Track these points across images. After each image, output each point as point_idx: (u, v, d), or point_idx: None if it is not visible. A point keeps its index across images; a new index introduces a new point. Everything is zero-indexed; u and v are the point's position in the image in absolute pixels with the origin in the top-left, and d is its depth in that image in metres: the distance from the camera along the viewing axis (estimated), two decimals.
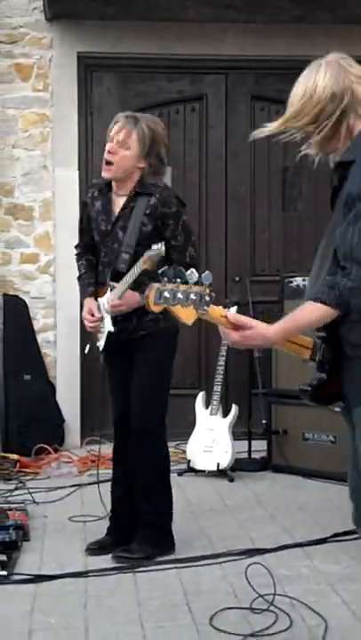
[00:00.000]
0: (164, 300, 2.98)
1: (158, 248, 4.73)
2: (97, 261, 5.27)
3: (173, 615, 4.30)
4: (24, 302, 8.02)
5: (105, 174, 5.06)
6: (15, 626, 4.18)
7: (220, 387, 7.05)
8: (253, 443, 7.30)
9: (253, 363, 7.37)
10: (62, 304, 7.93)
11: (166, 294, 2.98)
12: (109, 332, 5.10)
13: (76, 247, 5.44)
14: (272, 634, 4.05)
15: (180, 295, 2.99)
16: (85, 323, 5.23)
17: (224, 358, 7.07)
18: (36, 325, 8.04)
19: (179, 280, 3.00)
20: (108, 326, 5.09)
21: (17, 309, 7.99)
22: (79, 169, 8.09)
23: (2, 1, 7.93)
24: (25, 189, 8.04)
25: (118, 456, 5.31)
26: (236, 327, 3.10)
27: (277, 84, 8.12)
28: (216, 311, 3.08)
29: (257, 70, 8.31)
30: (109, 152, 4.98)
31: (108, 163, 4.99)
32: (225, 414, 7.02)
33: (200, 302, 3.02)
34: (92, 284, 5.26)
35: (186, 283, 3.00)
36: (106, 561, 5.01)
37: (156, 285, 3.00)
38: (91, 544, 5.22)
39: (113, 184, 5.13)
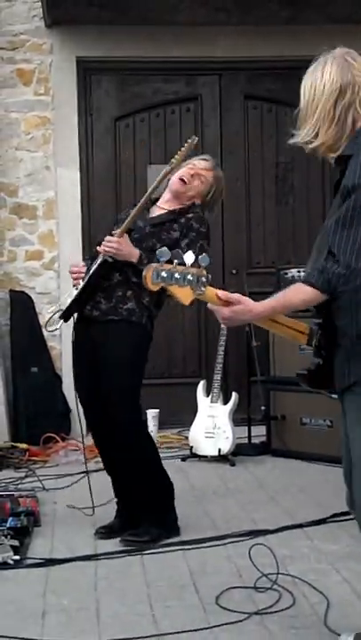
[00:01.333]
0: (162, 279, 3.00)
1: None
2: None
3: (181, 595, 4.35)
4: (30, 298, 8.18)
5: (175, 186, 5.19)
6: (29, 607, 4.24)
7: (220, 375, 7.13)
8: (253, 428, 7.39)
9: (252, 351, 7.42)
10: (66, 299, 8.06)
11: (164, 274, 3.00)
12: (75, 300, 5.13)
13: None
14: (276, 611, 4.10)
15: (177, 275, 3.01)
16: (70, 269, 5.31)
17: (223, 348, 7.16)
18: (42, 320, 8.11)
19: (176, 261, 3.03)
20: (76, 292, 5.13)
21: (23, 305, 8.15)
22: (80, 169, 8.23)
23: (3, 9, 8.09)
24: (28, 189, 8.20)
25: (98, 445, 5.41)
26: (228, 304, 3.15)
27: (269, 84, 8.36)
28: (211, 291, 3.13)
29: (249, 71, 8.43)
30: (191, 175, 5.20)
31: (184, 180, 5.19)
32: (225, 401, 7.13)
33: (197, 283, 3.05)
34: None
35: (183, 264, 3.04)
36: (114, 544, 5.08)
37: (153, 265, 3.02)
38: (99, 528, 5.28)
39: (163, 197, 5.29)
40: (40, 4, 7.86)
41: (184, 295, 3.05)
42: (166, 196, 5.29)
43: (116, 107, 8.34)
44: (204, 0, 7.92)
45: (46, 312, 8.14)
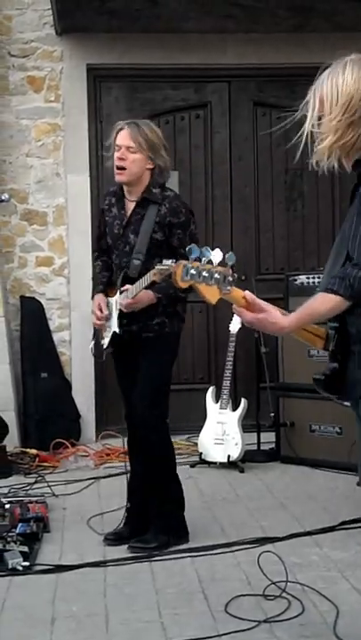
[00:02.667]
0: (191, 277, 2.94)
1: (170, 265, 4.78)
2: (111, 261, 5.46)
3: (189, 602, 4.39)
4: (40, 304, 8.21)
5: (118, 178, 5.23)
6: (38, 614, 4.29)
7: (229, 381, 7.15)
8: (262, 435, 7.40)
9: (261, 357, 7.42)
10: (76, 304, 8.09)
11: (193, 271, 2.93)
12: (114, 333, 5.27)
13: (93, 251, 5.67)
14: (285, 620, 4.13)
15: (205, 274, 2.94)
16: (92, 318, 5.40)
17: (232, 354, 7.17)
18: (52, 325, 8.22)
19: (204, 259, 2.97)
20: (114, 327, 5.25)
21: (33, 311, 8.18)
22: (90, 175, 8.26)
23: (14, 17, 8.14)
24: (39, 196, 8.24)
25: (132, 449, 5.48)
26: (252, 308, 3.09)
27: (278, 91, 8.37)
28: (237, 292, 3.06)
29: (258, 78, 8.46)
30: (120, 158, 5.17)
31: (120, 168, 5.19)
32: (234, 408, 7.14)
33: (223, 282, 2.98)
34: (104, 282, 5.43)
35: (210, 262, 2.97)
36: (123, 551, 5.12)
37: (183, 262, 2.96)
38: (108, 534, 5.34)
39: (125, 190, 5.31)
40: (51, 11, 7.89)
41: (211, 294, 2.99)
42: (125, 187, 5.32)
43: (126, 113, 8.28)
44: (212, 8, 7.94)
45: (57, 318, 8.22)
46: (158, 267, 4.87)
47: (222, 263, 2.99)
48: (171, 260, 4.85)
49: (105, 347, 5.39)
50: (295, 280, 7.37)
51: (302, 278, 7.34)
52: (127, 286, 5.13)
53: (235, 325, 7.07)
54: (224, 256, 3.00)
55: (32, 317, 8.19)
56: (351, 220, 3.13)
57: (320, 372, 3.24)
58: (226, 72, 8.41)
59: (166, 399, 5.37)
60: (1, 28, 8.14)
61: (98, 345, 5.49)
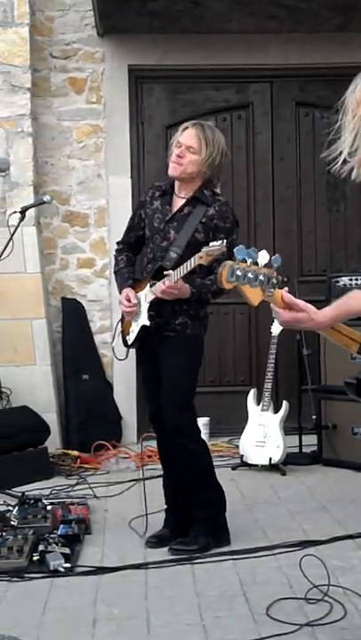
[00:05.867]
0: (236, 278, 2.91)
1: (220, 245, 4.80)
2: (135, 258, 5.50)
3: (231, 605, 4.35)
4: (81, 305, 8.24)
5: (172, 172, 5.24)
6: (80, 616, 4.27)
7: (270, 384, 7.12)
8: (304, 437, 7.37)
9: (303, 360, 7.40)
10: (117, 306, 7.90)
11: (238, 272, 2.91)
12: (143, 327, 5.22)
13: (117, 243, 5.60)
14: (327, 623, 4.08)
15: (250, 275, 2.92)
16: (121, 307, 5.34)
17: (274, 356, 7.14)
18: (93, 327, 8.26)
19: (250, 260, 2.95)
20: (144, 320, 5.20)
21: (75, 312, 8.21)
22: (131, 177, 8.28)
23: (56, 18, 8.18)
24: (80, 197, 8.27)
25: (161, 452, 5.49)
26: (289, 308, 3.05)
27: (320, 91, 8.34)
28: (278, 293, 3.05)
29: (300, 78, 8.45)
30: (179, 156, 5.17)
31: (176, 163, 5.20)
32: (276, 410, 7.11)
33: (267, 284, 2.96)
34: (131, 277, 5.41)
35: (256, 263, 2.95)
36: (164, 553, 5.10)
37: (229, 262, 2.93)
38: (150, 537, 5.31)
39: (175, 185, 5.31)
40: (92, 13, 7.92)
41: (254, 296, 2.96)
42: (176, 183, 5.33)
43: (168, 115, 8.38)
44: (254, 8, 7.91)
45: (98, 319, 8.23)
46: (205, 249, 4.86)
47: (268, 265, 2.96)
48: (219, 242, 4.84)
49: (130, 343, 5.36)
50: (338, 282, 7.33)
51: (345, 280, 7.29)
52: (170, 271, 5.08)
53: (276, 327, 7.04)
54: (270, 258, 2.97)
55: (73, 319, 8.22)
56: None
57: (352, 375, 3.21)
58: (268, 72, 8.40)
59: (193, 406, 5.32)
60: (43, 29, 8.18)
61: (124, 341, 5.46)
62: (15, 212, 6.21)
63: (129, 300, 5.27)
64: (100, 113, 8.25)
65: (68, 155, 8.27)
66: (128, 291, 5.32)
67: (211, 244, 4.88)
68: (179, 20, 7.97)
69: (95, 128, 8.25)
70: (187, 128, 5.22)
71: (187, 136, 5.19)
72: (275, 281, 2.98)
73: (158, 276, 5.14)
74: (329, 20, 8.05)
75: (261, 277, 2.95)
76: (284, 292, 3.05)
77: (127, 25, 8.02)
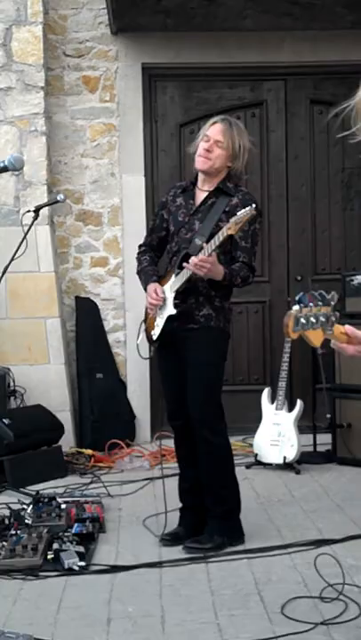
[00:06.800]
0: (301, 327, 2.88)
1: (248, 210, 4.86)
2: (157, 259, 5.50)
3: (246, 604, 4.35)
4: (95, 304, 8.25)
5: (200, 165, 5.25)
6: (95, 614, 4.28)
7: (284, 382, 7.11)
8: (318, 436, 7.37)
9: (317, 358, 7.36)
10: (131, 305, 8.07)
11: (303, 320, 2.86)
12: (169, 317, 5.22)
13: (139, 246, 5.59)
14: (342, 622, 4.07)
15: (312, 319, 2.88)
16: (148, 299, 5.31)
17: (288, 355, 7.13)
18: (107, 326, 8.26)
19: (320, 303, 2.89)
20: (170, 310, 5.20)
21: (88, 311, 8.21)
22: (145, 175, 8.27)
23: (69, 17, 8.16)
24: (94, 196, 8.27)
25: (179, 450, 5.49)
26: (352, 341, 3.00)
27: (335, 88, 8.31)
28: (338, 328, 3.00)
29: (315, 75, 8.41)
30: (207, 150, 5.20)
31: (205, 157, 5.21)
32: (290, 409, 7.10)
33: (327, 323, 2.91)
34: (156, 274, 5.41)
35: (327, 305, 2.90)
36: (179, 551, 5.11)
37: (293, 313, 2.88)
38: (164, 535, 5.31)
39: (199, 179, 5.34)
40: (106, 11, 7.91)
41: (316, 337, 2.92)
42: (200, 176, 5.34)
43: (181, 113, 8.37)
44: (268, 6, 7.90)
45: (112, 318, 8.23)
46: (234, 218, 4.91)
47: (326, 303, 2.91)
48: (247, 208, 4.88)
49: (155, 337, 5.34)
50: (352, 280, 7.31)
51: (359, 278, 7.27)
52: (204, 244, 5.08)
53: None
54: (327, 296, 2.92)
55: (87, 318, 8.22)
56: None
57: None
58: (282, 70, 8.37)
59: (220, 402, 5.33)
60: (56, 27, 8.17)
61: (149, 338, 5.45)
62: (29, 211, 6.20)
63: (156, 293, 5.27)
64: (114, 111, 8.24)
65: (81, 153, 8.26)
66: (155, 285, 5.32)
67: (238, 213, 4.92)
68: (193, 17, 7.98)
69: (109, 126, 8.24)
70: (215, 122, 5.26)
71: (215, 130, 5.22)
72: (334, 319, 2.93)
73: (187, 262, 5.12)
74: (343, 17, 8.04)
75: (322, 318, 2.91)
76: (347, 328, 3.00)
77: (141, 23, 8.03)
